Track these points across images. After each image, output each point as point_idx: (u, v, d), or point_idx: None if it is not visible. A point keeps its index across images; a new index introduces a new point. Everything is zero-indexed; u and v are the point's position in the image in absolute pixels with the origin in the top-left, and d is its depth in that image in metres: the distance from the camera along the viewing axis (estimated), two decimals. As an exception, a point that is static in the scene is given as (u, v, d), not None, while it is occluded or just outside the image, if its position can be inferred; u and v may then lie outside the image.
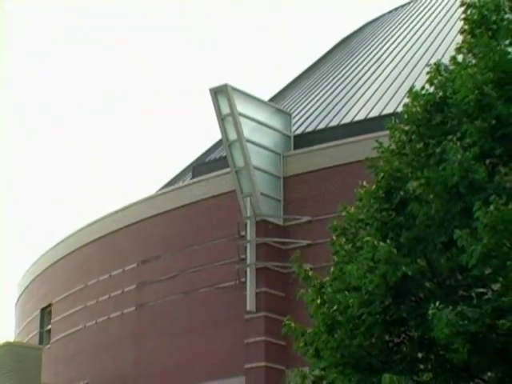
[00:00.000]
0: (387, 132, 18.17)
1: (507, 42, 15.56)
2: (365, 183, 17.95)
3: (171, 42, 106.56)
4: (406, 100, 17.68)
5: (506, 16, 15.43)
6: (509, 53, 15.36)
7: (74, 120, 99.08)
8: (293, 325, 19.23)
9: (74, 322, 36.52)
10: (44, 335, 39.09)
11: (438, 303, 14.90)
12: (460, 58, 16.31)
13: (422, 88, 16.81)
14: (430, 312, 14.83)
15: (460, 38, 17.11)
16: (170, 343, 32.47)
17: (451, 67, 16.34)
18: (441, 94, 16.25)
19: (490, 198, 14.27)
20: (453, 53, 17.20)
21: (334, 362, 18.02)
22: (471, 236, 14.18)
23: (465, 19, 15.83)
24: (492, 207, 13.80)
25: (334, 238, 18.43)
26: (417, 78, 29.73)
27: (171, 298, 32.46)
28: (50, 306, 38.75)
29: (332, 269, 17.97)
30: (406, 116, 17.20)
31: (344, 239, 18.12)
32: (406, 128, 17.15)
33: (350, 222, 18.22)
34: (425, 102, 16.45)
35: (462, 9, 16.12)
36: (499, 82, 15.09)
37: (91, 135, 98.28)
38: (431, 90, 16.62)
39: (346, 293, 16.97)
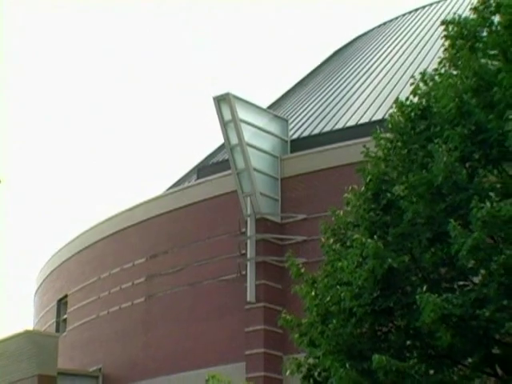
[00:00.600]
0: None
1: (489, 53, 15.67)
2: (354, 186, 18.01)
3: (176, 51, 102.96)
4: (394, 108, 17.73)
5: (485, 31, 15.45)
6: (486, 63, 15.40)
7: (89, 124, 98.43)
8: (288, 317, 19.27)
9: (87, 312, 36.51)
10: (60, 324, 39.08)
11: (425, 288, 14.97)
12: (442, 69, 16.37)
13: (407, 99, 16.84)
14: (418, 297, 14.87)
15: (442, 52, 17.19)
16: (176, 331, 32.45)
17: (435, 77, 16.39)
18: (424, 102, 16.27)
19: (471, 197, 14.33)
20: (436, 65, 17.26)
21: (328, 350, 18.04)
22: (463, 228, 14.24)
23: (445, 36, 15.86)
24: (488, 204, 13.83)
25: (324, 239, 18.51)
26: (403, 87, 29.77)
27: (177, 290, 32.45)
28: (65, 297, 38.74)
29: (324, 266, 18.03)
30: (390, 125, 17.24)
31: (332, 240, 18.18)
32: (391, 136, 17.18)
33: (339, 224, 18.28)
34: (409, 111, 16.47)
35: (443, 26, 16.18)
36: (477, 90, 15.11)
37: (104, 139, 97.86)
38: (415, 100, 16.64)
39: (338, 287, 17.01)
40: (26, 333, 35.02)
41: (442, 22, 16.04)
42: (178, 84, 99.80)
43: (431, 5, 43.82)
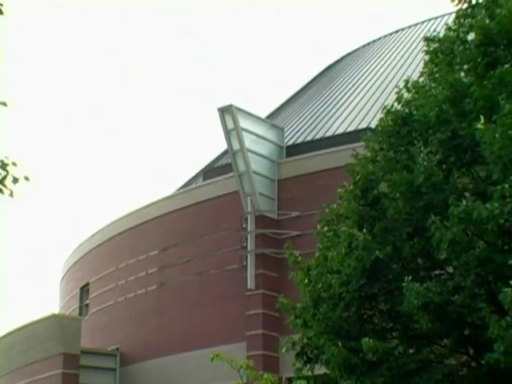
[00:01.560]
0: (362, 143, 18.26)
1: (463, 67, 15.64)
2: (346, 184, 18.01)
3: (176, 51, 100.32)
4: (378, 117, 17.77)
5: (461, 48, 15.41)
6: (460, 77, 15.37)
7: (90, 124, 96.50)
8: (284, 301, 19.29)
9: (107, 298, 36.49)
10: (83, 309, 39.04)
11: (409, 278, 14.97)
12: (423, 81, 16.36)
13: (392, 106, 16.81)
14: (404, 285, 14.86)
15: (421, 67, 17.16)
16: (184, 315, 32.44)
17: (416, 86, 16.39)
18: (407, 110, 16.25)
19: (447, 197, 14.31)
20: (416, 78, 17.24)
21: (319, 331, 18.04)
22: (442, 223, 14.21)
23: (426, 51, 15.85)
24: (464, 202, 13.81)
25: (319, 227, 18.52)
26: (386, 99, 29.75)
27: (186, 279, 32.44)
28: (87, 285, 38.71)
29: (316, 255, 18.01)
30: (380, 128, 17.22)
31: (326, 228, 18.20)
32: (380, 139, 17.17)
33: (332, 215, 18.29)
34: (393, 117, 16.45)
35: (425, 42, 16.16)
36: (453, 100, 15.08)
37: (119, 145, 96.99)
38: (399, 107, 16.63)
39: (328, 275, 17.00)
40: (53, 316, 35.05)
41: (425, 39, 16.03)
42: (178, 84, 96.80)
43: (409, 27, 43.82)
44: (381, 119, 17.60)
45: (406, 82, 16.69)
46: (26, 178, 10.50)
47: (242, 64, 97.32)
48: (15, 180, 10.36)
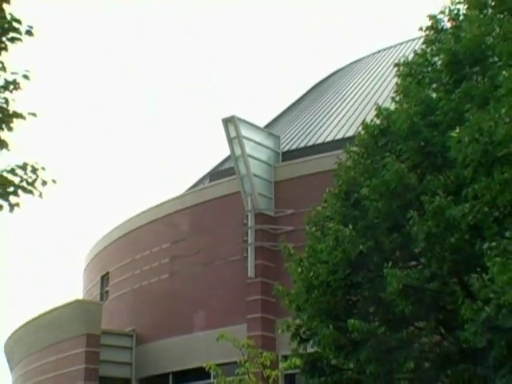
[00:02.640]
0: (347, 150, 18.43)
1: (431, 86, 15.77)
2: (331, 188, 18.16)
3: (176, 51, 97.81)
4: (360, 128, 17.94)
5: (429, 69, 15.56)
6: (429, 94, 15.53)
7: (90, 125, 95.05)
8: (280, 288, 19.42)
9: (124, 286, 36.52)
10: (103, 295, 39.08)
11: (390, 264, 15.11)
12: (397, 98, 16.48)
13: (372, 121, 16.95)
14: (385, 270, 15.01)
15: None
16: (193, 300, 32.46)
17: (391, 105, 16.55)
18: (385, 123, 16.36)
19: (419, 196, 14.47)
20: (392, 94, 17.37)
21: (311, 314, 18.18)
22: (419, 218, 14.35)
23: (397, 75, 15.99)
24: (437, 198, 13.95)
25: (308, 229, 18.68)
26: (369, 112, 29.83)
27: (194, 268, 32.48)
28: (107, 274, 38.73)
29: (307, 249, 18.16)
30: (357, 142, 17.43)
31: (314, 229, 18.34)
32: (358, 150, 17.33)
33: (319, 217, 18.44)
34: (372, 130, 16.58)
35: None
36: (424, 114, 15.22)
37: (119, 146, 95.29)
38: (378, 121, 16.76)
39: (318, 265, 17.13)
40: (77, 301, 35.17)
41: (395, 65, 16.16)
42: (178, 84, 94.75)
43: (390, 48, 43.91)
44: (358, 133, 17.84)
45: (378, 106, 16.86)
46: (54, 181, 10.54)
47: (243, 64, 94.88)
48: (44, 183, 10.39)
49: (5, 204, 10.07)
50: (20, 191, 10.05)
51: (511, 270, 12.22)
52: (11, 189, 9.84)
